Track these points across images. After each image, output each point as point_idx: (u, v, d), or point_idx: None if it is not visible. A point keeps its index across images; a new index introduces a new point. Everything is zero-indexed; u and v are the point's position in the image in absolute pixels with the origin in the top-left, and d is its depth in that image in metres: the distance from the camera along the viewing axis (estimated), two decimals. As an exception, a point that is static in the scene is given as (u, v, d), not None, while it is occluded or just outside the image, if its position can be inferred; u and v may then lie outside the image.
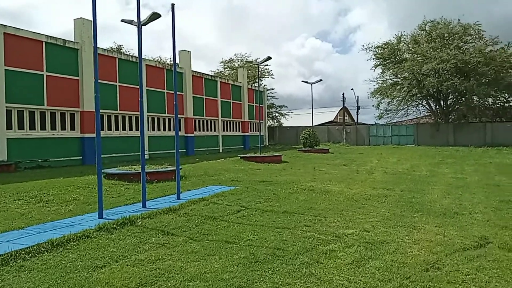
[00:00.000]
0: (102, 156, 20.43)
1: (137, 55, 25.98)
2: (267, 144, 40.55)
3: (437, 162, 19.73)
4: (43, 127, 18.81)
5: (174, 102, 9.46)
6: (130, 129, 23.74)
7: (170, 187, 10.96)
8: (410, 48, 38.10)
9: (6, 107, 17.06)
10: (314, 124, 34.50)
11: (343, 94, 50.00)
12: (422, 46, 36.26)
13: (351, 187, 11.04)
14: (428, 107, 40.31)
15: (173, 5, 9.50)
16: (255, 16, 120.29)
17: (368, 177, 13.72)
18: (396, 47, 38.88)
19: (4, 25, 17.22)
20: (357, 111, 54.30)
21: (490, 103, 37.71)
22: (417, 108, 40.58)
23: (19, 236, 5.82)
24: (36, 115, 18.53)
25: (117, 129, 22.88)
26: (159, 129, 26.27)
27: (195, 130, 29.80)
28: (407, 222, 6.99)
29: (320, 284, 4.24)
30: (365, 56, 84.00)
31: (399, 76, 38.85)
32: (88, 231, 5.95)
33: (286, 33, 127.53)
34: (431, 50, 34.78)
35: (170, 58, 40.26)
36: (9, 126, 17.26)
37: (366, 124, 46.74)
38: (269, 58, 22.70)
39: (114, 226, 6.29)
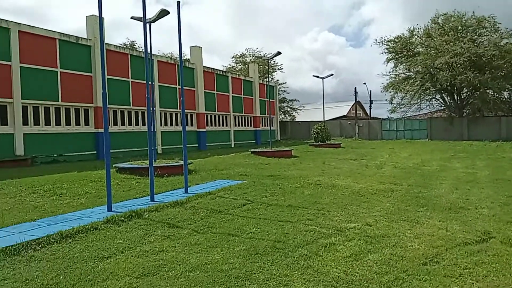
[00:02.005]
0: (116, 150, 20.69)
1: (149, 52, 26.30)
2: (279, 138, 40.62)
3: (448, 157, 19.54)
4: (58, 123, 19.25)
5: (181, 98, 9.62)
6: (143, 124, 24.08)
7: (180, 181, 11.15)
8: (423, 42, 37.57)
9: (22, 103, 17.51)
10: (326, 119, 34.44)
11: (355, 88, 49.54)
12: (435, 39, 35.74)
13: (358, 182, 11.07)
14: (442, 101, 39.81)
15: (178, 2, 9.61)
16: (268, 10, 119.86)
17: (377, 171, 13.71)
18: (408, 41, 38.40)
19: (19, 23, 17.62)
20: (370, 106, 53.92)
21: (505, 97, 37.05)
22: (431, 102, 40.19)
23: (31, 227, 6.07)
24: (51, 110, 18.97)
25: (130, 124, 23.24)
26: (171, 124, 26.57)
27: (207, 125, 30.04)
28: (411, 216, 7.02)
29: (317, 276, 4.34)
30: (378, 50, 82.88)
31: (412, 70, 38.42)
32: (96, 223, 6.17)
33: (299, 27, 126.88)
34: (444, 43, 34.26)
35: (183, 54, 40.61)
36: (25, 122, 17.73)
37: (379, 118, 46.37)
38: (278, 53, 22.70)
39: (122, 218, 6.50)
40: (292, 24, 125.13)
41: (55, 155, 18.67)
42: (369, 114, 55.76)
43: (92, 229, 5.97)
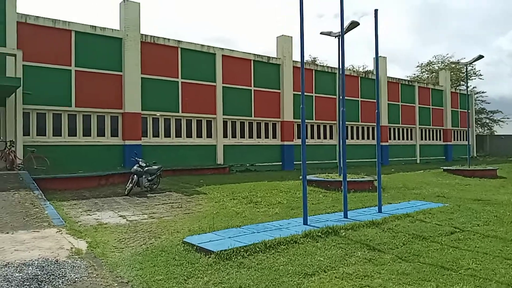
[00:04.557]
0: (300, 162, 21.44)
1: (330, 66, 26.61)
2: (475, 155, 35.44)
3: None
4: (250, 136, 21.17)
5: (376, 110, 9.13)
6: (325, 137, 24.40)
7: (368, 198, 10.63)
8: None
9: (223, 118, 19.90)
10: (540, 133, 28.29)
11: None
12: None
13: None
14: None
15: (376, 10, 9.20)
16: (456, 11, 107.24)
17: None
18: None
19: (222, 48, 20.18)
20: None
21: None
22: None
23: (238, 234, 6.52)
24: (246, 125, 21.00)
25: (312, 137, 23.82)
26: (352, 138, 26.11)
27: (390, 138, 28.43)
28: None
29: None
30: None
31: None
32: (295, 237, 6.19)
33: (496, 27, 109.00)
34: None
35: (363, 66, 39.80)
36: (224, 135, 20.08)
37: None
38: (480, 57, 19.79)
39: (319, 234, 6.38)
40: (487, 24, 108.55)
41: (247, 164, 20.50)
42: None
43: (292, 241, 6.01)
